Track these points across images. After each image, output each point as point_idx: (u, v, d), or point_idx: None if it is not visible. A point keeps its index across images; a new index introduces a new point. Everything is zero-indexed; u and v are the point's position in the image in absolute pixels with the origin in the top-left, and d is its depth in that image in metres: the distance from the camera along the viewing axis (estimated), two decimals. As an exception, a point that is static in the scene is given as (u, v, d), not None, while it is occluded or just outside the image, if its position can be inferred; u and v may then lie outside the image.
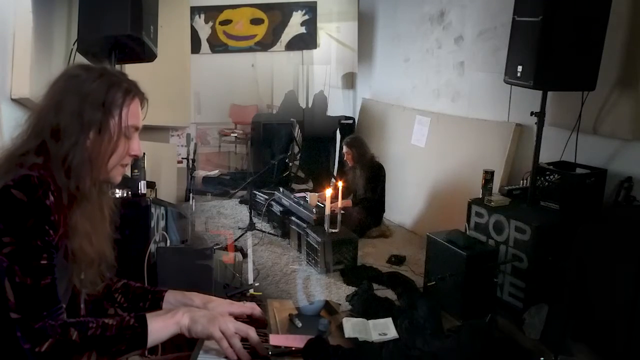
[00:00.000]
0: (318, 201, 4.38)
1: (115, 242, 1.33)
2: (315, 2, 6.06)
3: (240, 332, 1.17)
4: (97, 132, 1.17)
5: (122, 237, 1.37)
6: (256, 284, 3.21)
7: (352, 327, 2.86)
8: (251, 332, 1.19)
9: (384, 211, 4.65)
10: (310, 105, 6.52)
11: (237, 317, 1.31)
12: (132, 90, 1.23)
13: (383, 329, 2.87)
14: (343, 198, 4.06)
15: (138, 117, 1.25)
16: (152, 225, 2.72)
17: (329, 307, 3.12)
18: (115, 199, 1.44)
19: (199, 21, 5.99)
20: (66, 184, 1.13)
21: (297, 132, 6.01)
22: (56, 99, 1.17)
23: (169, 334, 1.14)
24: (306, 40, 6.16)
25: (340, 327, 2.90)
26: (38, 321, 1.03)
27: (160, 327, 1.13)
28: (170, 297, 1.37)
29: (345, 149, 4.61)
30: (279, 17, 6.09)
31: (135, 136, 1.26)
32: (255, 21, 6.10)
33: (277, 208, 4.54)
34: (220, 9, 6.04)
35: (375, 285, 3.46)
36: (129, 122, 1.21)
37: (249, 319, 1.35)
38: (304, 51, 6.36)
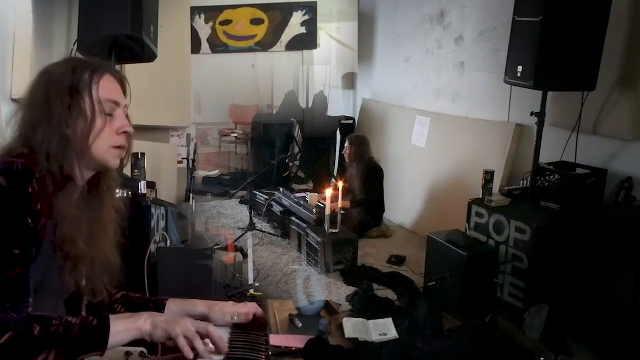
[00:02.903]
0: (318, 201, 4.38)
1: (119, 248, 1.32)
2: (315, 2, 6.06)
3: (201, 329, 1.16)
4: (72, 116, 1.16)
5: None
6: (256, 284, 3.21)
7: (352, 327, 2.86)
8: (210, 329, 1.18)
9: (383, 211, 4.65)
10: (310, 105, 6.52)
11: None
12: (101, 67, 1.22)
13: (383, 329, 2.87)
14: (343, 198, 4.06)
15: (114, 92, 1.23)
16: (152, 225, 2.72)
17: (329, 307, 3.13)
18: (124, 198, 1.42)
19: (199, 21, 5.99)
20: (47, 167, 1.12)
21: (297, 132, 6.01)
22: (27, 96, 1.19)
23: (129, 338, 1.12)
24: (306, 40, 6.15)
25: (340, 327, 2.90)
26: (0, 312, 1.01)
27: (121, 330, 1.10)
28: (172, 305, 1.36)
29: (346, 144, 4.63)
30: (279, 17, 6.09)
31: (119, 113, 1.23)
32: (255, 21, 6.09)
33: (277, 208, 4.54)
34: (220, 9, 6.04)
35: (375, 285, 3.46)
36: (103, 97, 1.20)
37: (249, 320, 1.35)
38: (304, 51, 6.35)
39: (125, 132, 1.23)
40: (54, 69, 1.20)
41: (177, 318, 1.18)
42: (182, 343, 1.12)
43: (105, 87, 1.21)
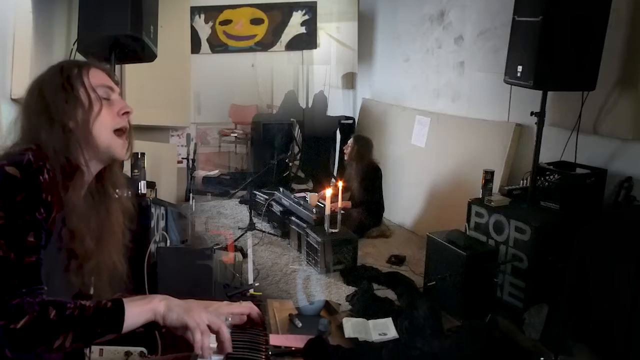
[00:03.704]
0: (318, 201, 4.38)
1: (126, 254, 1.33)
2: (315, 2, 6.06)
3: (213, 325, 1.16)
4: (71, 108, 1.20)
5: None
6: (256, 284, 3.21)
7: (352, 327, 2.87)
8: (223, 327, 1.18)
9: (383, 211, 4.65)
10: (310, 105, 6.52)
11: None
12: (87, 62, 1.28)
13: (383, 329, 2.87)
14: (342, 198, 4.06)
15: (104, 78, 1.27)
16: (152, 225, 2.73)
17: (329, 307, 3.13)
18: (130, 198, 1.43)
19: (199, 21, 5.99)
20: (55, 160, 1.15)
21: (297, 132, 6.01)
22: (24, 104, 1.23)
23: (143, 320, 1.12)
24: (306, 40, 6.15)
25: (340, 327, 2.90)
26: (15, 297, 1.01)
27: (136, 313, 1.11)
28: None
29: (350, 141, 4.62)
30: (279, 17, 6.09)
31: (116, 96, 1.27)
32: (255, 21, 6.10)
33: (277, 208, 4.54)
34: (220, 9, 6.04)
35: (375, 285, 3.46)
36: (96, 83, 1.24)
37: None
38: (304, 51, 6.35)
39: (126, 112, 1.27)
40: (43, 75, 1.25)
41: (193, 306, 1.18)
42: (197, 338, 1.12)
43: (95, 76, 1.26)
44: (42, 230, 1.08)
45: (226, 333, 1.18)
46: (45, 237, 1.10)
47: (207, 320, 1.15)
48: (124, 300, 1.11)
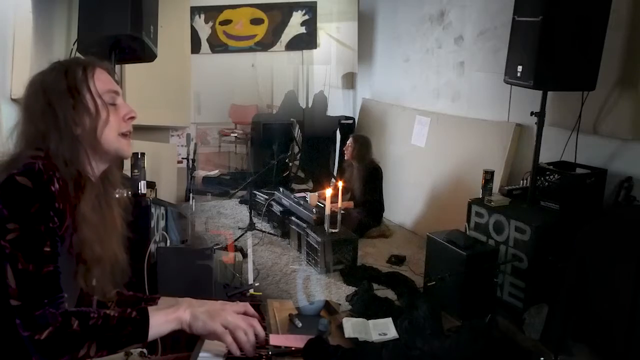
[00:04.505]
0: (318, 201, 4.38)
1: (126, 244, 1.34)
2: (315, 2, 6.06)
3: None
4: (78, 114, 1.19)
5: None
6: (256, 284, 3.21)
7: (352, 327, 2.87)
8: (257, 325, 1.19)
9: (383, 211, 4.65)
10: (310, 105, 6.52)
11: None
12: (90, 63, 1.26)
13: (383, 329, 2.87)
14: (342, 198, 4.06)
15: (109, 82, 1.26)
16: (152, 225, 2.73)
17: (329, 307, 3.13)
18: (130, 198, 1.43)
19: (199, 21, 5.99)
20: (67, 171, 1.15)
21: (297, 132, 6.01)
22: (25, 108, 1.22)
23: (169, 329, 1.13)
24: (306, 40, 6.15)
25: (340, 327, 2.90)
26: (38, 309, 1.03)
27: (161, 322, 1.12)
28: (164, 303, 1.36)
29: (350, 141, 4.62)
30: (279, 17, 6.09)
31: (120, 100, 1.27)
32: (255, 21, 6.10)
33: (277, 208, 4.54)
34: (220, 9, 6.04)
35: (375, 285, 3.46)
36: (102, 89, 1.23)
37: None
38: (304, 51, 6.35)
39: (131, 117, 1.27)
40: (45, 77, 1.22)
41: (217, 310, 1.19)
42: (229, 341, 1.14)
43: (100, 80, 1.24)
44: (57, 237, 1.09)
45: (262, 333, 1.20)
46: (60, 243, 1.11)
47: (233, 319, 1.16)
48: (149, 309, 1.12)
